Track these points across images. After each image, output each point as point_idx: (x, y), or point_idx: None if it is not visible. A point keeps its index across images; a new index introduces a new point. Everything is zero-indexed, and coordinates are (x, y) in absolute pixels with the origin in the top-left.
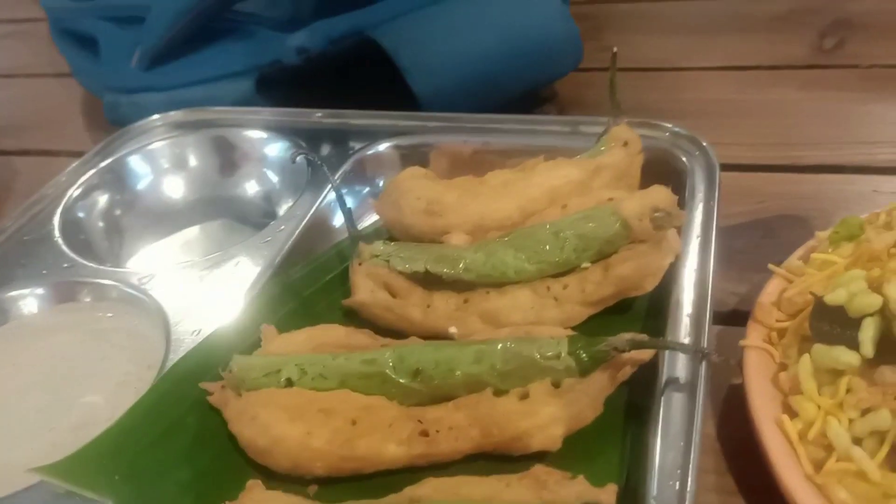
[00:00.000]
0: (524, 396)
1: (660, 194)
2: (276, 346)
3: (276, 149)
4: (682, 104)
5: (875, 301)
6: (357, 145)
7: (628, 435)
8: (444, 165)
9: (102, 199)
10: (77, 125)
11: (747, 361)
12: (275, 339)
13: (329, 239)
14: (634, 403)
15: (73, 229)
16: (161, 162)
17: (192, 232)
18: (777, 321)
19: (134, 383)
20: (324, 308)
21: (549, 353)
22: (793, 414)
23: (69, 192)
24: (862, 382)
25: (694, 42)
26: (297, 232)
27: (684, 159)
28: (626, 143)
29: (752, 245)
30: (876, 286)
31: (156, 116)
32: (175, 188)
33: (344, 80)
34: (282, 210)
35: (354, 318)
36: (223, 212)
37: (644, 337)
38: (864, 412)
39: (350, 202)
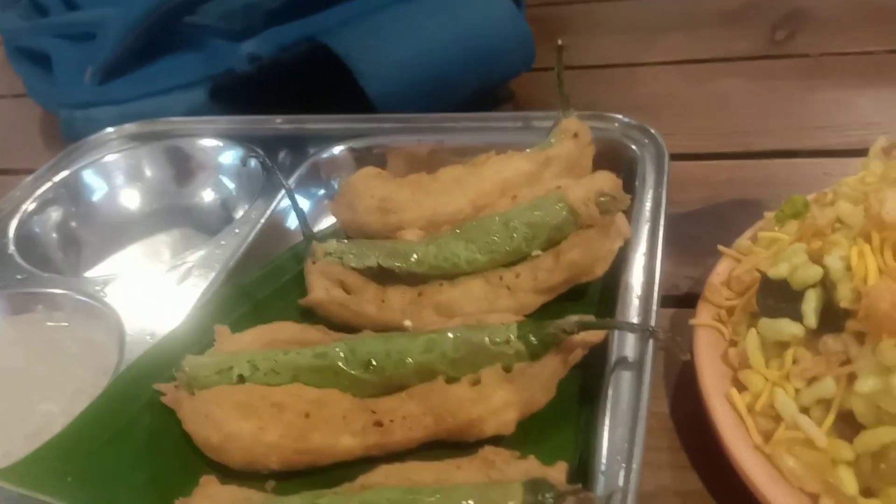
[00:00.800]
0: (476, 382)
1: (604, 179)
2: (228, 345)
3: (230, 156)
4: (637, 99)
5: (815, 272)
6: (312, 149)
7: (581, 417)
8: (400, 166)
9: (57, 213)
10: (33, 144)
11: (698, 340)
12: (228, 338)
13: (284, 242)
14: (587, 386)
15: (27, 243)
16: (116, 174)
17: (151, 242)
18: (726, 300)
19: (89, 390)
20: (279, 309)
21: (499, 339)
22: (742, 388)
23: (23, 207)
24: (807, 353)
25: (647, 39)
26: (251, 235)
27: (634, 148)
28: (575, 135)
29: (706, 231)
30: (817, 258)
31: (109, 129)
32: (131, 199)
33: (298, 86)
34: (239, 216)
35: (311, 318)
36: (181, 221)
37: (591, 318)
38: (810, 382)
39: (306, 205)
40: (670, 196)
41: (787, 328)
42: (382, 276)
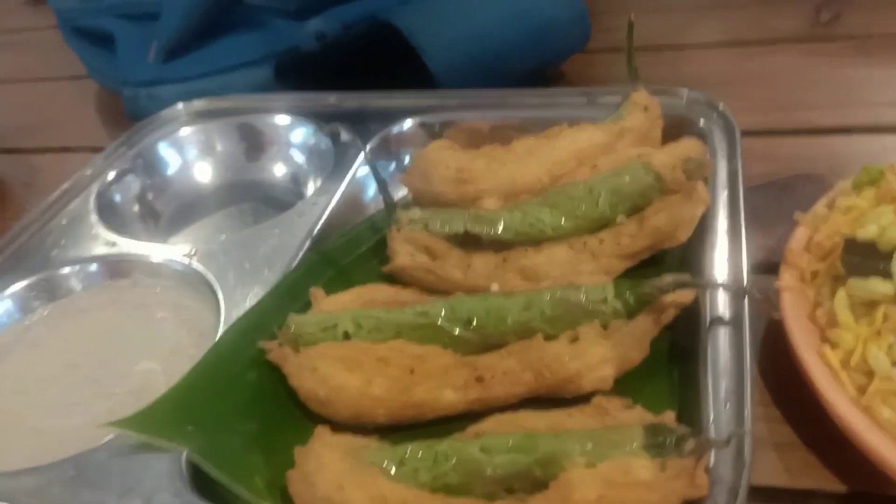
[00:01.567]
0: (574, 339)
1: (690, 145)
2: (325, 306)
3: (300, 132)
4: (686, 78)
5: None
6: (378, 125)
7: (675, 373)
8: (465, 141)
9: (135, 184)
10: (94, 122)
11: (784, 301)
12: (323, 300)
13: (361, 213)
14: (679, 345)
15: (109, 212)
16: (189, 148)
17: (224, 214)
18: (808, 264)
19: (186, 350)
20: (362, 275)
21: (596, 298)
22: (832, 346)
23: (103, 178)
24: None
25: (690, 19)
26: (330, 205)
27: (702, 121)
28: (645, 108)
29: (771, 202)
30: None
31: (178, 105)
32: (204, 173)
33: (359, 64)
34: (309, 191)
35: (395, 284)
36: (252, 195)
37: (687, 277)
38: None
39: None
40: None
41: (879, 287)
42: (466, 243)
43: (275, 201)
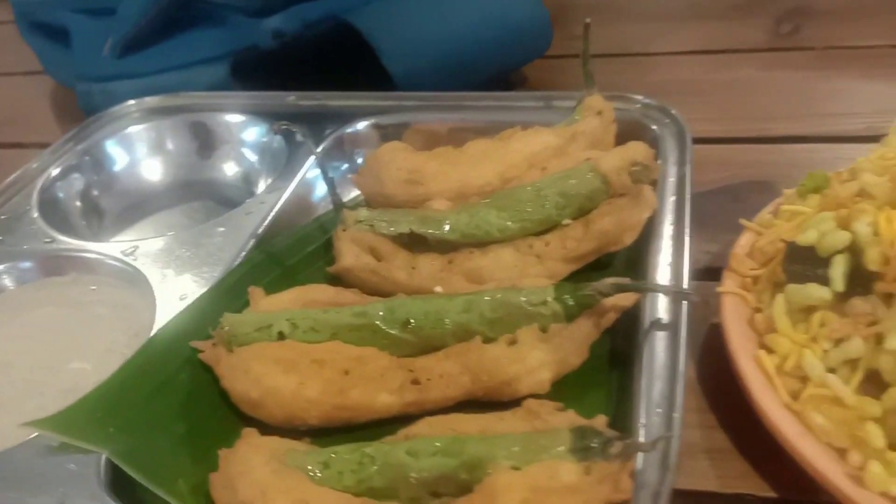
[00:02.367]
0: (512, 342)
1: (637, 148)
2: (263, 306)
3: (253, 131)
4: (649, 86)
5: (844, 237)
6: (335, 125)
7: (613, 378)
8: (421, 143)
9: (80, 181)
10: (47, 118)
11: (724, 306)
12: (262, 299)
13: (310, 213)
14: (618, 349)
15: (51, 209)
16: (138, 146)
17: (173, 212)
18: (750, 269)
19: (121, 350)
20: (308, 276)
21: (536, 300)
22: (769, 352)
23: (46, 174)
24: (834, 316)
25: (656, 29)
26: (278, 204)
27: (654, 127)
28: (599, 112)
29: (722, 209)
30: (843, 226)
31: (130, 102)
32: (153, 171)
33: (318, 63)
34: (261, 190)
35: (339, 285)
36: (203, 193)
37: (627, 280)
38: (837, 343)
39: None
40: None
41: (816, 292)
42: (412, 244)
43: (226, 200)
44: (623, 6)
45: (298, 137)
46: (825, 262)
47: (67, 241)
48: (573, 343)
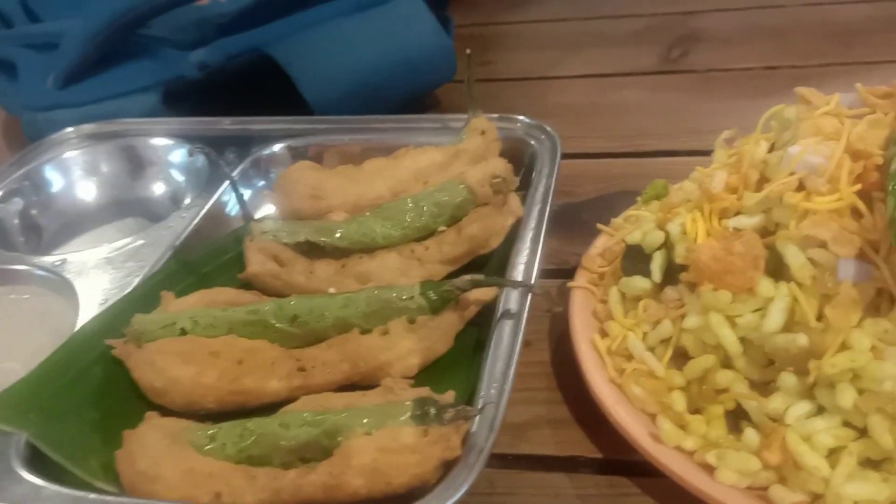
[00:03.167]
0: (385, 333)
1: (497, 163)
2: (172, 307)
3: (179, 154)
4: (548, 107)
5: (659, 236)
6: (256, 148)
7: (474, 362)
8: (336, 162)
9: (19, 203)
10: None
11: (573, 299)
12: (171, 302)
13: (227, 227)
14: (479, 337)
15: None
16: (74, 169)
17: (105, 228)
18: (599, 267)
19: (47, 350)
20: (221, 283)
21: (405, 296)
22: (604, 336)
23: None
24: (653, 303)
25: (561, 55)
26: (196, 219)
27: (534, 144)
28: (483, 132)
29: (595, 216)
30: (662, 226)
31: (68, 129)
32: (88, 192)
33: (243, 92)
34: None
35: (250, 290)
36: (133, 211)
37: (480, 277)
38: (655, 325)
39: (249, 195)
40: (569, 188)
41: (640, 283)
42: (311, 251)
43: (155, 216)
44: (535, 35)
45: (213, 158)
46: (650, 257)
47: (5, 255)
48: (439, 332)
